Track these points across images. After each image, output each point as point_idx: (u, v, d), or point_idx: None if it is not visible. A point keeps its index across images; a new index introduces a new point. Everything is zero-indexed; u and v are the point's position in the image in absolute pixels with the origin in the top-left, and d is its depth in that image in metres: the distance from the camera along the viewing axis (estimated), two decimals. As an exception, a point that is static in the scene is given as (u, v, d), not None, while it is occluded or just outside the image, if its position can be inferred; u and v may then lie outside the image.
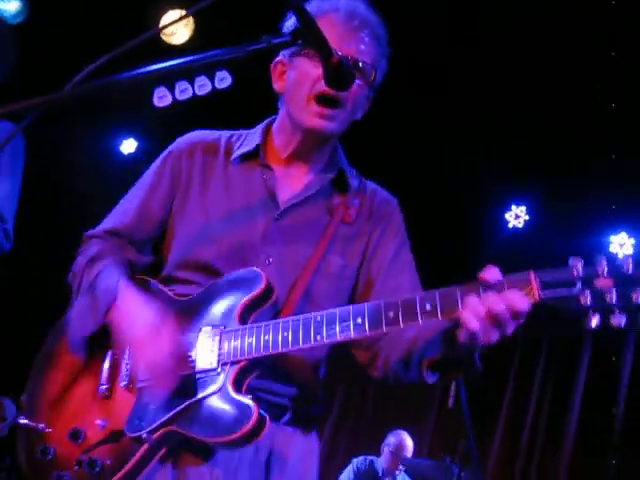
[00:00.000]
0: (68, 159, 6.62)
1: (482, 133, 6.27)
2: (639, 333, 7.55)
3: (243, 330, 1.82)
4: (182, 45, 5.85)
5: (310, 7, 1.99)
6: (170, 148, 2.18)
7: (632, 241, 7.04)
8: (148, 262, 2.13)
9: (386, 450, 6.90)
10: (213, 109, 6.04)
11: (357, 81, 1.96)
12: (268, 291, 1.87)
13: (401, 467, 6.80)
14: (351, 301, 2.06)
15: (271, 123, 2.18)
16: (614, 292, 1.55)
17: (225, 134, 2.19)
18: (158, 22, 5.39)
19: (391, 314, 1.70)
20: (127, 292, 1.94)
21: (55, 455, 1.91)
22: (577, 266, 1.58)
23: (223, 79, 5.92)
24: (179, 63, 1.52)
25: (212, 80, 5.98)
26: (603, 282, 1.56)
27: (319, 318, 1.77)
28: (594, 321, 1.56)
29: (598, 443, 7.39)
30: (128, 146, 7.46)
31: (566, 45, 5.47)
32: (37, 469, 1.93)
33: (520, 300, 1.60)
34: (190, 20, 5.62)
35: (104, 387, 1.95)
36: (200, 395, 1.80)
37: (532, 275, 1.62)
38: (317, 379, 2.07)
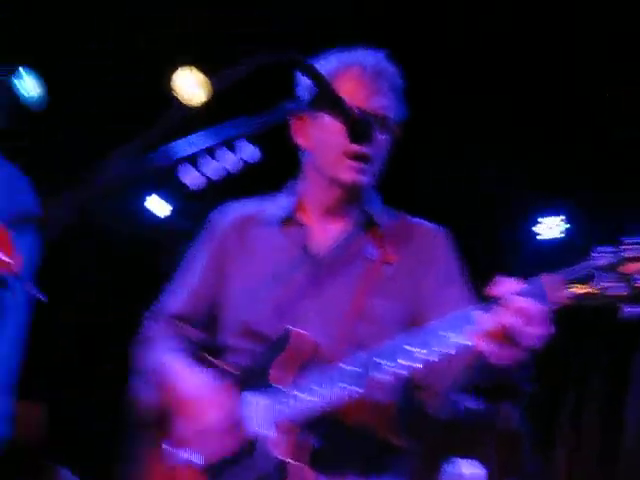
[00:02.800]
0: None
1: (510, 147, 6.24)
2: None
3: (290, 392, 1.86)
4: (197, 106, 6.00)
5: (330, 60, 2.05)
6: (210, 226, 2.24)
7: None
8: (210, 338, 2.18)
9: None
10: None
11: (383, 136, 2.04)
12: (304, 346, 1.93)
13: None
14: None
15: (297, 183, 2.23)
16: None
17: (256, 201, 2.25)
18: (170, 80, 5.56)
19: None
20: (176, 374, 2.03)
21: None
22: (596, 257, 1.47)
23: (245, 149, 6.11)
24: (203, 145, 1.56)
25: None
26: (632, 267, 1.42)
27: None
28: (627, 310, 1.41)
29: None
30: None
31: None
32: None
33: (527, 305, 1.49)
34: (206, 81, 5.73)
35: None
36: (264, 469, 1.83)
37: (544, 278, 1.53)
38: (388, 427, 2.00)
